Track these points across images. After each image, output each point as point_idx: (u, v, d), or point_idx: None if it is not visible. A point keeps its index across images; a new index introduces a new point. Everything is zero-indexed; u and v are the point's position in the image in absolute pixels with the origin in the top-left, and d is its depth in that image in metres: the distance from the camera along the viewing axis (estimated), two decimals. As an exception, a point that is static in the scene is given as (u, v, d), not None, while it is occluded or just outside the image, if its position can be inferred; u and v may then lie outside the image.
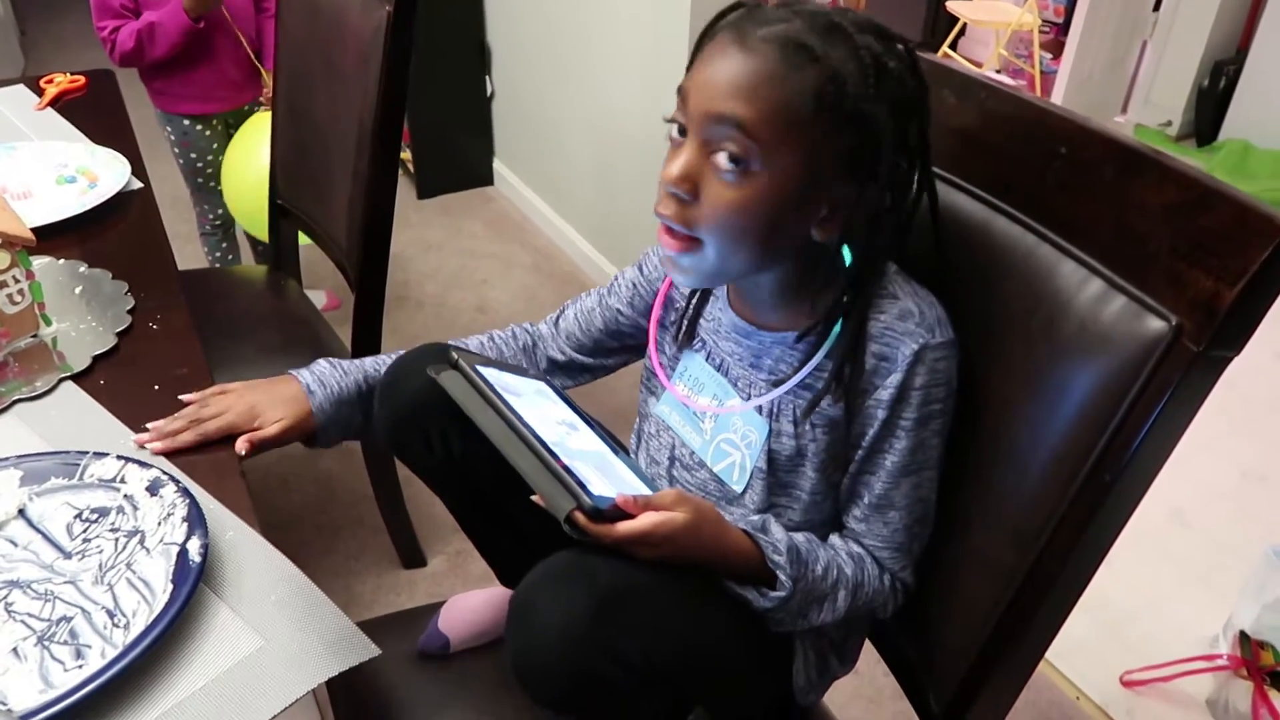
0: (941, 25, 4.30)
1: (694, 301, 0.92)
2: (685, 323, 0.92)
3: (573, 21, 2.45)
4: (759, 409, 0.86)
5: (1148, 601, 1.73)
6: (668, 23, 2.03)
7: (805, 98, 0.70)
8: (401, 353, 0.95)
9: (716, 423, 0.89)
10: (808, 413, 0.83)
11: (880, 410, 0.80)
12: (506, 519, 0.95)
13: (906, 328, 0.79)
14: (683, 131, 0.76)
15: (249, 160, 2.00)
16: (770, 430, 0.85)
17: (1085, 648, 1.63)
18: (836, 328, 0.81)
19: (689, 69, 0.77)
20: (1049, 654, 0.83)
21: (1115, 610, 1.70)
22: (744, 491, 0.88)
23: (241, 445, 0.90)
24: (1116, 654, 1.63)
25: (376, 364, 1.01)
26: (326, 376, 0.98)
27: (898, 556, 0.85)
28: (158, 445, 0.88)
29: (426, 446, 0.89)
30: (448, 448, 0.89)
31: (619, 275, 1.00)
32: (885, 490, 0.83)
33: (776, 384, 0.85)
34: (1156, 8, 3.69)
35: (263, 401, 0.95)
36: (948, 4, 4.13)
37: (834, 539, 0.87)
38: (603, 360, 1.03)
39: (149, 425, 0.90)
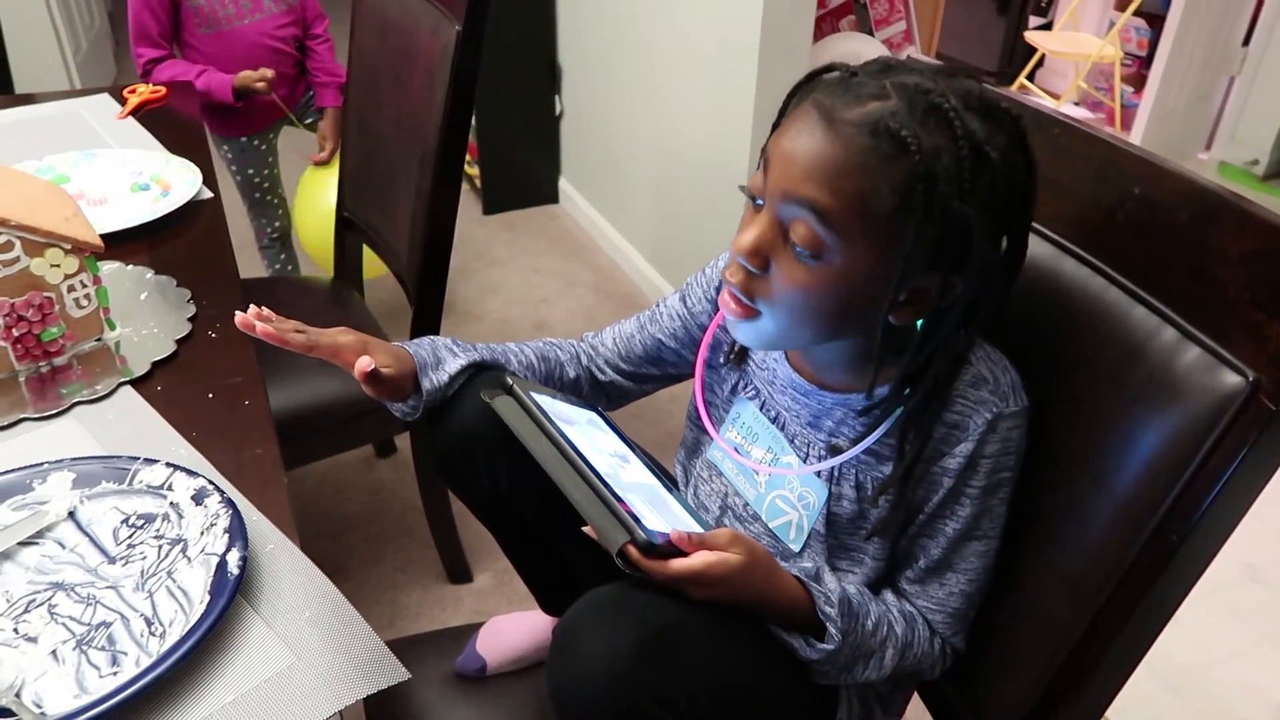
0: (1019, 55, 4.22)
1: (739, 345, 0.90)
2: (733, 357, 0.90)
3: (644, 45, 2.46)
4: (818, 472, 0.83)
5: (1215, 661, 1.66)
6: (737, 50, 2.02)
7: (889, 194, 0.65)
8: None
9: (771, 478, 0.87)
10: (877, 496, 0.80)
11: (947, 478, 0.77)
12: (552, 550, 0.94)
13: (980, 395, 0.75)
14: (756, 198, 0.73)
15: (314, 206, 2.13)
16: (830, 494, 0.82)
17: (1146, 706, 1.56)
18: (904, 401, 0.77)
19: (776, 126, 0.73)
20: (1108, 711, 0.79)
21: (1180, 668, 1.63)
22: (801, 551, 0.85)
23: (365, 364, 0.79)
24: (1181, 715, 1.55)
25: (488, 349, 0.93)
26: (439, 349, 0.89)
27: (951, 622, 0.83)
28: (267, 328, 0.75)
29: (474, 477, 0.88)
30: (495, 479, 0.87)
31: (661, 303, 0.98)
32: (944, 555, 0.80)
33: (836, 448, 0.82)
34: (1246, 42, 3.58)
35: (374, 345, 0.83)
36: (1026, 34, 4.05)
37: (887, 595, 0.84)
38: (641, 385, 1.00)
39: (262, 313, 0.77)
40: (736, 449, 0.89)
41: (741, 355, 0.90)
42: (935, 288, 0.71)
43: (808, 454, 0.84)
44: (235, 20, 1.99)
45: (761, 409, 0.87)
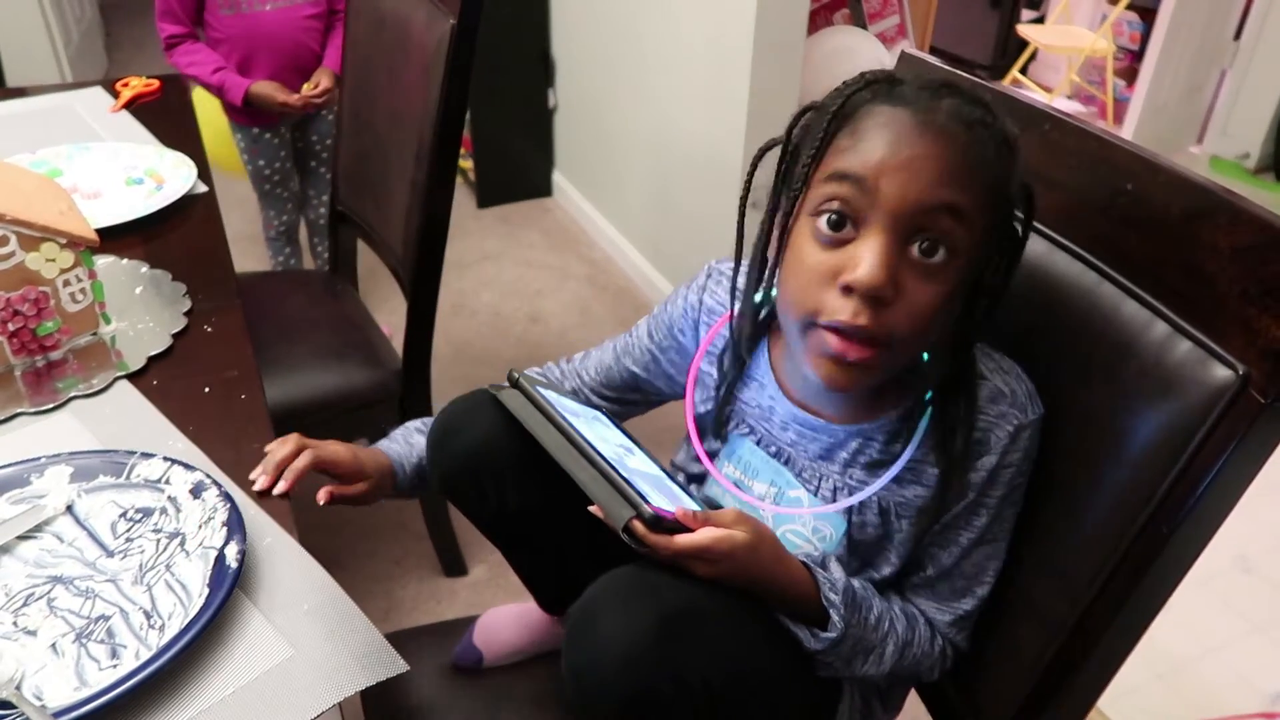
0: (1012, 49, 4.23)
1: (725, 389, 0.87)
2: (719, 411, 0.88)
3: (637, 38, 2.46)
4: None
5: (1206, 651, 1.67)
6: (731, 43, 2.02)
7: (1002, 174, 0.69)
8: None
9: (777, 512, 0.86)
10: (928, 521, 0.80)
11: (970, 491, 0.78)
12: (558, 560, 0.94)
13: (1000, 410, 0.76)
14: (837, 225, 0.69)
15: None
16: (851, 524, 0.82)
17: (1137, 696, 1.57)
18: (926, 416, 0.77)
19: (829, 146, 0.70)
20: (1099, 701, 0.80)
21: (1171, 658, 1.64)
22: None
23: (324, 495, 0.90)
24: (1170, 704, 1.57)
25: None
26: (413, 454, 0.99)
27: (956, 622, 0.83)
28: (283, 486, 0.84)
29: (480, 498, 0.88)
30: (503, 499, 0.87)
31: (634, 330, 0.97)
32: (955, 561, 0.81)
33: (848, 467, 0.81)
34: (1237, 36, 3.59)
35: (364, 458, 0.94)
36: (1019, 28, 4.06)
37: (890, 594, 0.85)
38: (628, 408, 1.01)
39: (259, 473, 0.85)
40: (737, 485, 0.88)
41: (726, 402, 0.88)
42: (991, 267, 0.73)
43: (818, 487, 0.83)
44: (258, 4, 1.98)
45: (758, 444, 0.86)
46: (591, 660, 0.69)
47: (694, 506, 0.80)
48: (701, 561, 0.72)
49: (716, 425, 0.88)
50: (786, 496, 0.85)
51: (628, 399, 1.00)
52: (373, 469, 0.95)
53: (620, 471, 0.74)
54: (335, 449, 0.91)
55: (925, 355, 0.77)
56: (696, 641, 0.71)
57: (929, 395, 0.77)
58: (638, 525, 0.71)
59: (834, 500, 0.82)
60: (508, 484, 0.86)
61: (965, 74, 0.73)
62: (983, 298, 0.74)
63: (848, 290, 0.68)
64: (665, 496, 0.77)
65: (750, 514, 0.86)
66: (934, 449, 0.78)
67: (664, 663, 0.69)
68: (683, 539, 0.71)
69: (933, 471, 0.79)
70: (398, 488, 0.98)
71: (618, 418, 1.00)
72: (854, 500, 0.81)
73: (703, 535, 0.71)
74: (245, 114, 2.07)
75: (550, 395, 0.83)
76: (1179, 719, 1.54)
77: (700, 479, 0.94)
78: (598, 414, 0.90)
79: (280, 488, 0.84)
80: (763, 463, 0.86)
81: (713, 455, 0.91)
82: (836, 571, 0.80)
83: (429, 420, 0.98)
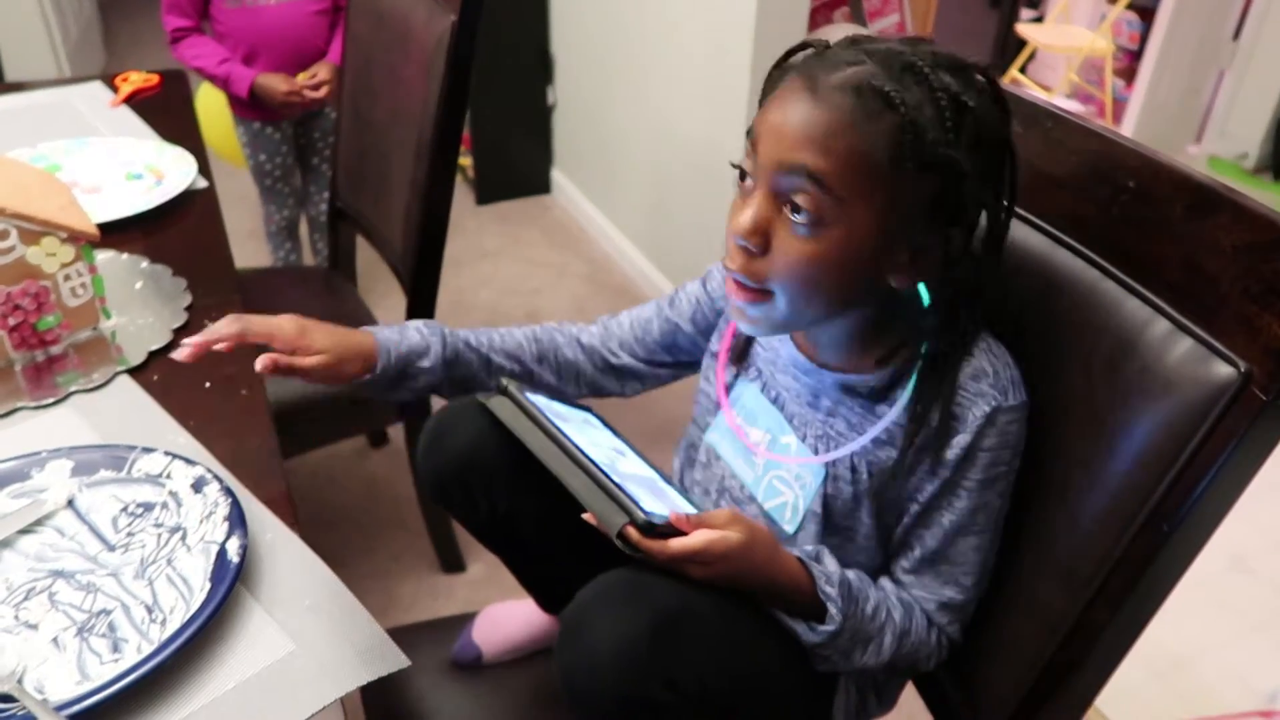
0: (1011, 48, 4.23)
1: (743, 338, 0.90)
2: (737, 348, 0.91)
3: (637, 35, 2.46)
4: (815, 453, 0.83)
5: (1203, 650, 1.67)
6: (731, 42, 2.02)
7: (881, 147, 0.67)
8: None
9: (768, 458, 0.87)
10: (888, 478, 0.80)
11: (944, 470, 0.78)
12: (552, 562, 0.94)
13: (979, 388, 0.76)
14: (743, 179, 0.74)
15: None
16: (827, 475, 0.83)
17: (1135, 695, 1.57)
18: (912, 382, 0.78)
19: (759, 109, 0.75)
20: (1097, 700, 0.80)
21: (1169, 657, 1.64)
22: (796, 533, 0.85)
23: (262, 362, 0.83)
24: (1168, 703, 1.57)
25: (480, 338, 0.96)
26: (413, 337, 0.93)
27: (947, 613, 0.83)
28: (184, 352, 0.83)
29: (471, 503, 0.88)
30: (493, 505, 0.88)
31: (680, 289, 0.99)
32: (940, 546, 0.81)
33: (830, 417, 0.82)
34: (1236, 36, 3.59)
35: (314, 329, 0.88)
36: (1018, 27, 4.06)
37: (885, 582, 0.85)
38: (655, 370, 1.00)
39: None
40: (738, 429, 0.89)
41: (745, 346, 0.90)
42: (937, 247, 0.72)
43: (805, 433, 0.84)
44: None
45: (762, 390, 0.88)
46: (584, 664, 0.70)
47: (687, 509, 0.81)
48: (696, 564, 0.73)
49: (735, 359, 0.91)
50: (779, 443, 0.86)
51: (658, 359, 0.99)
52: (331, 344, 0.88)
53: (612, 477, 0.74)
54: (275, 321, 0.86)
55: (925, 308, 0.77)
56: (689, 644, 0.72)
57: (918, 366, 0.78)
58: (632, 531, 0.71)
59: (816, 447, 0.83)
60: (497, 489, 0.87)
61: (930, 42, 0.72)
62: (956, 274, 0.73)
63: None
64: (658, 499, 0.78)
65: (746, 464, 0.89)
66: (910, 417, 0.78)
67: (656, 666, 0.69)
68: (677, 543, 0.72)
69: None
70: (377, 375, 0.90)
71: (642, 380, 1.01)
72: (836, 455, 0.82)
73: (696, 538, 0.72)
74: (248, 108, 2.07)
75: (539, 401, 0.83)
76: (1176, 718, 1.54)
77: (695, 450, 0.95)
78: (588, 415, 0.90)
79: (182, 354, 0.83)
80: (763, 409, 0.87)
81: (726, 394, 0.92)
82: (832, 565, 0.80)
83: (431, 322, 0.95)
